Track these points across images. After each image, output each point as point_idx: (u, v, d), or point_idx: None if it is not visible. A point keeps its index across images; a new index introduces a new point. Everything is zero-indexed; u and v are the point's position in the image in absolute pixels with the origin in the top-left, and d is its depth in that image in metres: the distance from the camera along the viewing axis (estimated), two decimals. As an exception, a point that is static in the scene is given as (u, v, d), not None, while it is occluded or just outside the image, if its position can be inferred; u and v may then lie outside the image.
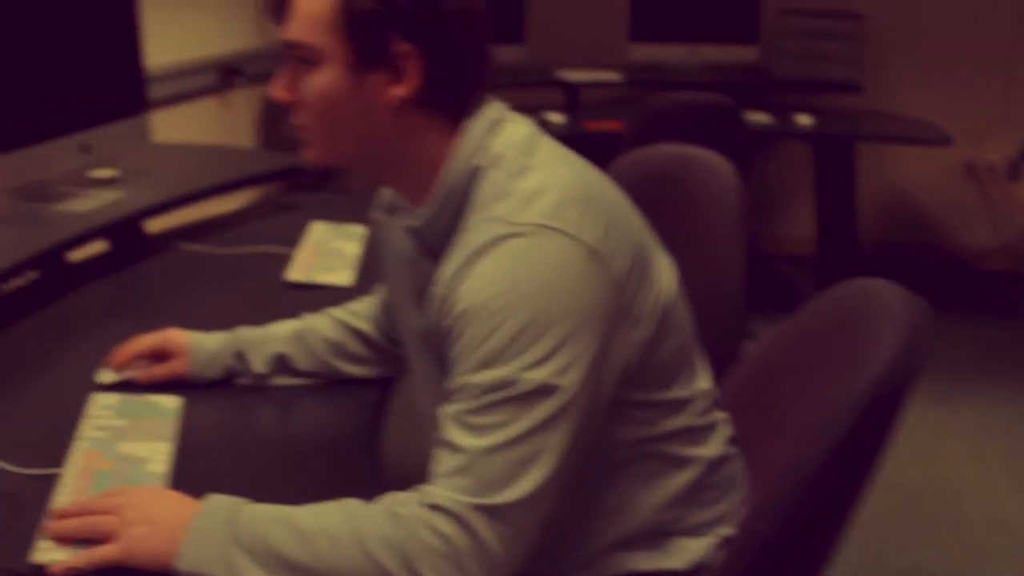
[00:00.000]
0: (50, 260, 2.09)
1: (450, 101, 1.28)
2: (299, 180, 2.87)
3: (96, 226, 2.18)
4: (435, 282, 1.25)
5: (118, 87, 2.47)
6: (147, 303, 2.10)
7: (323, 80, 1.26)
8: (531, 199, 1.21)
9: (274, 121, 4.37)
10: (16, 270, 1.94)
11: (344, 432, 1.56)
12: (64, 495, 1.32)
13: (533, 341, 1.15)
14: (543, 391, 1.15)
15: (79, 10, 2.31)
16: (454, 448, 1.16)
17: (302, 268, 2.19)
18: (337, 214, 2.57)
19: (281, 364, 1.65)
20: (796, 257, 5.18)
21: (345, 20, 1.23)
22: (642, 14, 4.88)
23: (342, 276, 2.16)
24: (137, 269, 2.27)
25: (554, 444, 1.16)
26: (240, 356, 1.65)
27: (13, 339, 1.88)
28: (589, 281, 1.19)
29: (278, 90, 1.30)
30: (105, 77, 2.42)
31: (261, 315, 1.78)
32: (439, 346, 1.26)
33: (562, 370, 1.16)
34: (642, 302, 1.27)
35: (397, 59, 1.24)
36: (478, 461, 1.14)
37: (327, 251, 2.30)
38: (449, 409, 1.19)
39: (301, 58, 1.27)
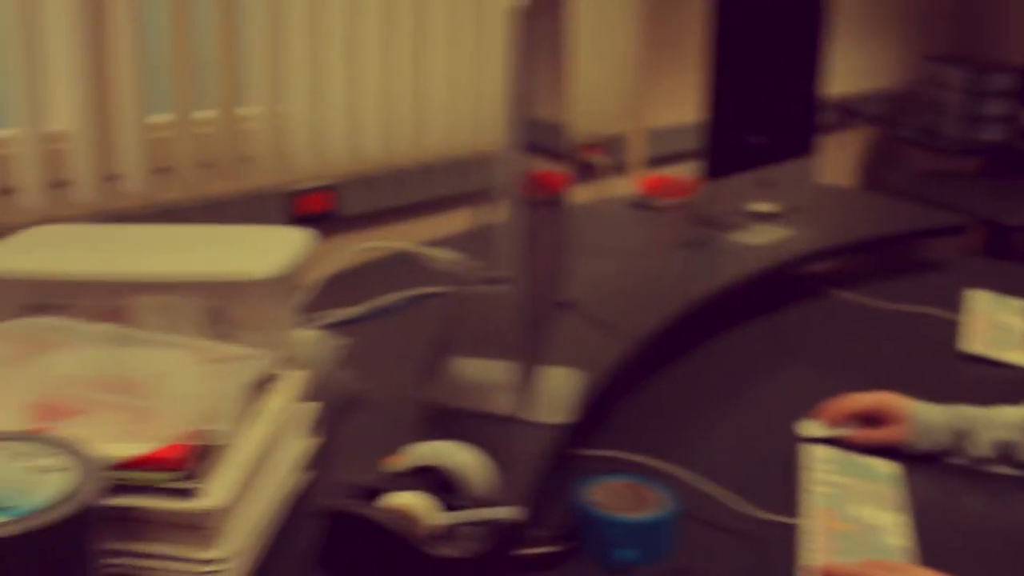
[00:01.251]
0: (729, 290, 2.13)
1: None
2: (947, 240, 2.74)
3: (774, 263, 2.20)
4: None
5: (799, 126, 2.49)
6: (809, 350, 2.07)
7: None
8: None
9: (880, 166, 4.27)
10: (711, 299, 1.99)
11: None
12: (814, 552, 1.31)
13: None
14: None
15: (784, 57, 2.37)
16: None
17: (979, 340, 2.07)
18: (994, 283, 2.42)
19: (1005, 451, 1.56)
20: None
21: None
22: None
23: (1022, 356, 2.03)
24: (791, 311, 2.26)
25: None
26: (959, 435, 1.57)
27: (695, 362, 1.94)
28: None
29: None
30: (792, 116, 2.45)
31: (933, 384, 1.72)
32: None
33: None
34: None
35: None
36: None
37: (996, 324, 2.17)
38: None
39: None
